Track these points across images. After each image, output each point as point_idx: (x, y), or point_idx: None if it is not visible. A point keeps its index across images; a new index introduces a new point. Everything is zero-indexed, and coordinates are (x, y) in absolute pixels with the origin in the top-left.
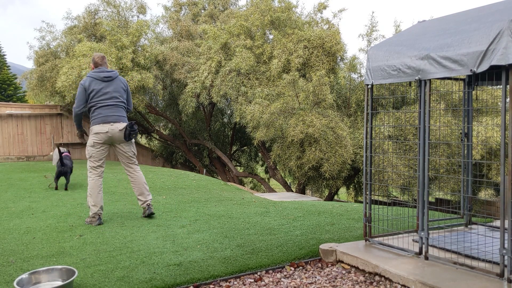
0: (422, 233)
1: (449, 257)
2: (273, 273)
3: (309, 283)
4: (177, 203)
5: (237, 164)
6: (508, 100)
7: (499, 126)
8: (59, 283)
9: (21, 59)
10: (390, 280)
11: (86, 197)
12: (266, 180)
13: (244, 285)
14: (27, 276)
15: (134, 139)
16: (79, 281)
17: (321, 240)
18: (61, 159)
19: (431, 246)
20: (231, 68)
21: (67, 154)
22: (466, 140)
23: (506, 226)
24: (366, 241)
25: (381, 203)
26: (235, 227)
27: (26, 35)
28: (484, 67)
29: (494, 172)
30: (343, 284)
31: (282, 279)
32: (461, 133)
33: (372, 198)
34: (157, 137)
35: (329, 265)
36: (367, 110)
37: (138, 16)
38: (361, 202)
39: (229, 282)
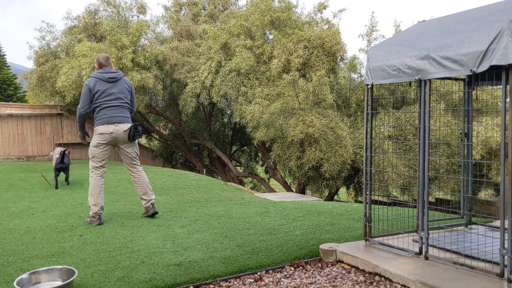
0: (422, 233)
1: (449, 257)
2: (273, 273)
3: (309, 283)
4: (177, 203)
5: (237, 164)
6: (508, 100)
7: (499, 126)
8: (59, 283)
9: (21, 59)
10: (390, 280)
11: (86, 197)
12: (266, 180)
13: (244, 285)
14: (27, 276)
15: (137, 140)
16: (79, 281)
17: (321, 240)
18: (63, 156)
19: (431, 246)
20: (231, 68)
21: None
22: (466, 140)
23: (506, 226)
24: (366, 241)
25: (381, 203)
26: (235, 227)
27: (26, 35)
28: (484, 67)
29: (494, 172)
30: (343, 284)
31: (282, 279)
32: (461, 133)
33: (372, 198)
34: (157, 137)
35: (329, 265)
36: (367, 110)
37: (138, 16)
38: (361, 202)
39: (229, 282)
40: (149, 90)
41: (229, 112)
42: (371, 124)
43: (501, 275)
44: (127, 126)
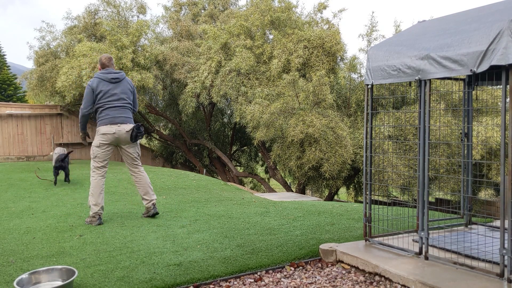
0: (422, 233)
1: (449, 257)
2: (273, 273)
3: (309, 283)
4: (177, 203)
5: (237, 164)
6: (508, 100)
7: (499, 126)
8: (59, 283)
9: (21, 59)
10: (390, 280)
11: (86, 197)
12: (266, 180)
13: (244, 285)
14: (27, 276)
15: (139, 141)
16: (79, 281)
17: (321, 240)
18: (66, 155)
19: (431, 246)
20: (231, 68)
21: (64, 154)
22: (466, 140)
23: (506, 226)
24: (366, 241)
25: (381, 203)
26: (235, 227)
27: (26, 35)
28: (484, 67)
29: (494, 172)
30: (343, 284)
31: (282, 279)
32: (461, 133)
33: (372, 198)
34: (157, 137)
35: (329, 265)
36: (367, 110)
37: (138, 16)
38: (361, 202)
39: (229, 282)
40: (149, 90)
41: (229, 112)
42: (371, 124)
43: (501, 275)
44: (129, 126)
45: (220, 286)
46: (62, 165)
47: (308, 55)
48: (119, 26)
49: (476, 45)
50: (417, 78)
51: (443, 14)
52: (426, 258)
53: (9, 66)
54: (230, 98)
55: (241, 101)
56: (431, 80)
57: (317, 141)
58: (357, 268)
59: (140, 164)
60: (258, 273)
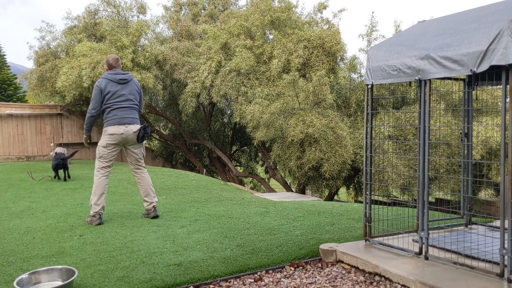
0: (422, 233)
1: (449, 257)
2: (273, 273)
3: (309, 283)
4: (177, 203)
5: (237, 164)
6: (508, 100)
7: (499, 126)
8: (59, 283)
9: (21, 59)
10: (390, 280)
11: (86, 197)
12: (266, 180)
13: (244, 285)
14: (27, 276)
15: (145, 142)
16: (79, 281)
17: (321, 240)
18: (71, 155)
19: (431, 246)
20: (231, 68)
21: (63, 153)
22: (466, 140)
23: (506, 226)
24: (366, 241)
25: (381, 203)
26: (235, 227)
27: (26, 35)
28: (484, 67)
29: (494, 172)
30: (343, 284)
31: (282, 279)
32: (461, 133)
33: (372, 198)
34: (157, 137)
35: (329, 265)
36: (367, 110)
37: (138, 16)
38: (361, 202)
39: (229, 282)
40: (149, 90)
41: (229, 112)
42: (371, 124)
43: (501, 275)
44: (136, 127)
45: (220, 286)
46: (63, 162)
47: (308, 55)
48: (119, 26)
49: (476, 45)
50: (417, 78)
51: (443, 14)
52: (426, 258)
53: (9, 66)
54: (230, 98)
55: (241, 101)
56: (431, 80)
57: (317, 141)
58: (357, 268)
59: (144, 165)
60: (258, 273)
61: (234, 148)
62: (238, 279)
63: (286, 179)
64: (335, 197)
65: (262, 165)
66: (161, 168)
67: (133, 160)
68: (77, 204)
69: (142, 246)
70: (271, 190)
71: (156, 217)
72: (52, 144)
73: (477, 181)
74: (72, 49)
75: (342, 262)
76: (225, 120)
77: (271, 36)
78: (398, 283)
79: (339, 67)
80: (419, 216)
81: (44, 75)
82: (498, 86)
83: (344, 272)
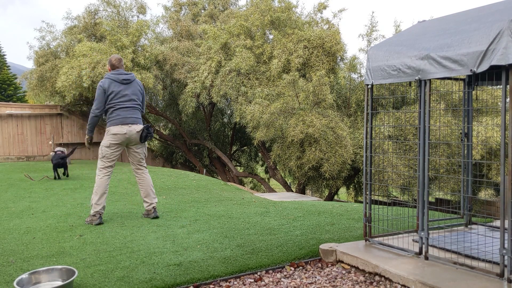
0: (422, 233)
1: (449, 257)
2: (273, 273)
3: (309, 283)
4: (177, 203)
5: (237, 164)
6: (508, 100)
7: (499, 126)
8: (59, 283)
9: (21, 59)
10: (390, 280)
11: (86, 197)
12: (266, 180)
13: (244, 285)
14: (27, 276)
15: (148, 142)
16: (79, 281)
17: (321, 240)
18: (70, 153)
19: (431, 246)
20: (231, 68)
21: (62, 152)
22: (466, 140)
23: (506, 226)
24: (366, 241)
25: (381, 203)
26: (235, 227)
27: (26, 35)
28: (484, 67)
29: (494, 172)
30: (343, 284)
31: (282, 279)
32: (461, 133)
33: (372, 198)
34: (157, 137)
35: (329, 265)
36: (367, 110)
37: (138, 16)
38: (361, 202)
39: (229, 282)
40: (149, 90)
41: (229, 112)
42: (371, 124)
43: (501, 275)
44: (139, 127)
45: (220, 286)
46: (62, 162)
47: (308, 55)
48: (119, 26)
49: (476, 45)
50: (417, 78)
51: (443, 14)
52: (426, 258)
53: (9, 66)
54: (230, 98)
55: (241, 101)
56: (431, 80)
57: (317, 141)
58: (357, 268)
59: (145, 165)
60: (258, 273)
61: (234, 148)
62: (238, 279)
63: (286, 179)
64: (335, 197)
65: (262, 165)
66: (161, 168)
67: (135, 160)
68: (77, 204)
69: (142, 246)
70: (271, 190)
71: (156, 217)
72: (50, 142)
73: (477, 181)
74: (72, 49)
75: (342, 262)
76: (225, 120)
77: (271, 36)
78: (398, 283)
79: (339, 67)
80: (419, 216)
81: (44, 75)
82: (498, 86)
83: (344, 272)
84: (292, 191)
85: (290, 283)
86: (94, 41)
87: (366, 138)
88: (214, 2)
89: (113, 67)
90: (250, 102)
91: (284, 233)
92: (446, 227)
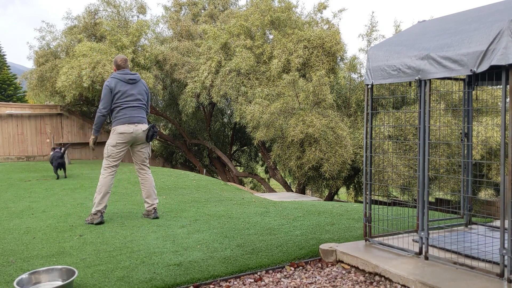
0: (422, 233)
1: (449, 257)
2: (273, 273)
3: (309, 283)
4: (177, 203)
5: (237, 164)
6: (508, 100)
7: (499, 126)
8: (59, 283)
9: (21, 59)
10: (390, 280)
11: (86, 197)
12: (266, 180)
13: (244, 285)
14: (27, 276)
15: (152, 141)
16: (79, 281)
17: (321, 240)
18: (65, 150)
19: (431, 246)
20: (231, 68)
21: (59, 151)
22: (466, 140)
23: (506, 226)
24: (366, 241)
25: (381, 203)
26: (235, 227)
27: (26, 35)
28: (484, 67)
29: (494, 172)
30: (343, 284)
31: (282, 279)
32: (461, 133)
33: (372, 198)
34: (157, 137)
35: (329, 265)
36: (367, 110)
37: (138, 16)
38: (361, 202)
39: (229, 282)
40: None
41: (229, 112)
42: (371, 124)
43: (501, 275)
44: (145, 126)
45: (220, 286)
46: (62, 161)
47: (308, 55)
48: (119, 26)
49: (476, 45)
50: (417, 78)
51: (443, 14)
52: (426, 258)
53: (9, 66)
54: (230, 98)
55: (241, 101)
56: (431, 80)
57: (317, 141)
58: (357, 268)
59: (148, 166)
60: (258, 273)
61: (234, 148)
62: (238, 279)
63: (286, 179)
64: (335, 197)
65: (262, 165)
66: (161, 168)
67: (139, 160)
68: (77, 204)
69: (142, 246)
70: (271, 190)
71: (156, 218)
72: (48, 141)
73: (477, 181)
74: (72, 49)
75: (342, 262)
76: (225, 120)
77: (271, 36)
78: (398, 283)
79: (339, 67)
80: (419, 216)
81: (44, 75)
82: (498, 86)
83: (344, 272)
84: (292, 191)
85: (290, 283)
86: (94, 41)
87: (366, 138)
88: (214, 2)
89: (118, 67)
90: (250, 102)
91: (284, 233)
92: (446, 227)
